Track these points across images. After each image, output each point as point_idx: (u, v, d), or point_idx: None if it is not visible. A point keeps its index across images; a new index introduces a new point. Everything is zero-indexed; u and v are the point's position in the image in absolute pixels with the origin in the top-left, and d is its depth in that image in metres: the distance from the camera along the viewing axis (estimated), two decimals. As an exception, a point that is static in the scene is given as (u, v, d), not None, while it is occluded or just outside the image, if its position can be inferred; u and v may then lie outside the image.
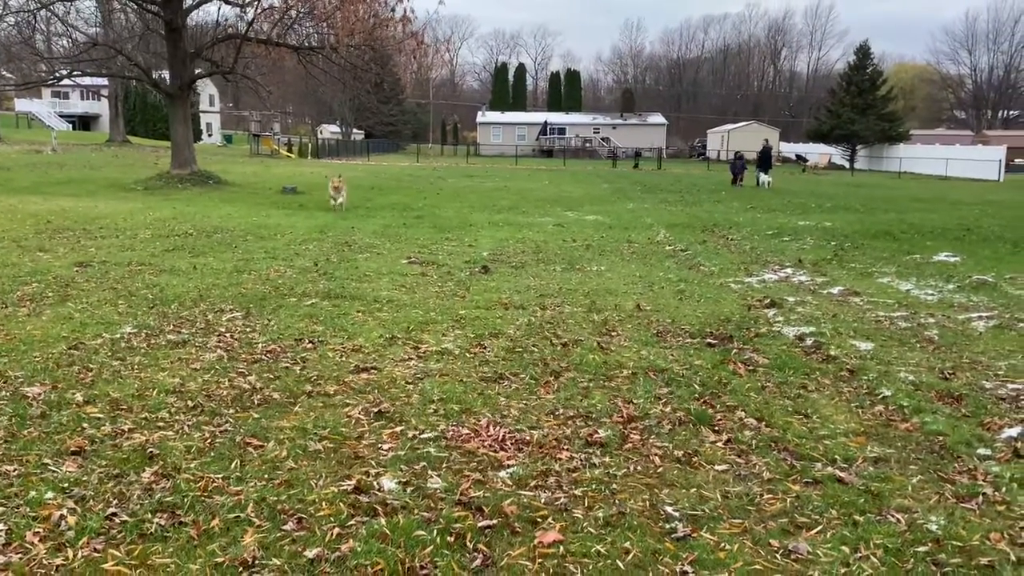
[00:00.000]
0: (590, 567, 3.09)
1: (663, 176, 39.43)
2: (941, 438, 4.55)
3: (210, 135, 71.73)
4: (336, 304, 7.57)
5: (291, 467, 3.89)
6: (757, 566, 3.14)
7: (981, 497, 3.81)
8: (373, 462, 3.99)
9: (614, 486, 3.83)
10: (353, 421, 4.55)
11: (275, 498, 3.55)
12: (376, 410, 4.72)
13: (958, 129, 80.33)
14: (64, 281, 8.24)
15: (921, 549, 3.30)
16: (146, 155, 36.70)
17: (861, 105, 56.85)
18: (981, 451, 4.39)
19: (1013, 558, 3.24)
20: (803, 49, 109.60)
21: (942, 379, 5.70)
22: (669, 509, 3.60)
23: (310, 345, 6.15)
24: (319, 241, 12.06)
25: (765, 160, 31.44)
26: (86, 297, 7.54)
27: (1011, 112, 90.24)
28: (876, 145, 57.49)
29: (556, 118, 75.33)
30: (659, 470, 4.04)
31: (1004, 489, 3.90)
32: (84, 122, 69.59)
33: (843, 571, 3.10)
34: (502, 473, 3.92)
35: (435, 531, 3.31)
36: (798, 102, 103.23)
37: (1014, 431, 4.67)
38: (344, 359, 5.81)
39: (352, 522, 3.37)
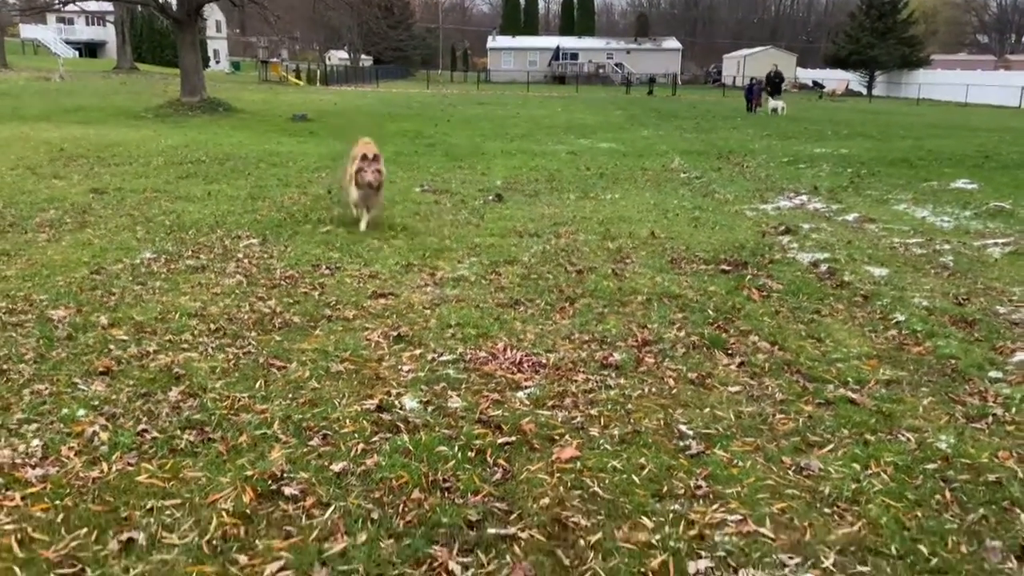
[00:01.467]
0: (607, 481, 3.19)
1: (678, 103, 38.83)
2: (953, 361, 4.60)
3: (218, 62, 70.83)
4: (351, 231, 7.61)
5: (314, 387, 3.99)
6: (769, 481, 3.23)
7: (991, 417, 3.88)
8: (394, 383, 4.08)
9: (629, 406, 3.91)
10: (373, 344, 4.63)
11: (300, 416, 3.65)
12: (395, 334, 4.80)
13: (980, 54, 78.38)
14: (81, 208, 8.29)
15: (930, 466, 3.38)
16: (155, 82, 36.34)
17: (881, 29, 55.38)
18: (993, 374, 4.44)
19: (1021, 475, 3.32)
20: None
21: (956, 304, 5.73)
22: (683, 428, 3.69)
23: (327, 271, 6.21)
24: (331, 168, 12.02)
25: (774, 86, 31.28)
26: (104, 223, 7.60)
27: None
28: (895, 71, 56.22)
29: (569, 43, 73.78)
30: (673, 391, 4.12)
31: (1014, 410, 3.96)
32: (90, 49, 68.73)
33: (854, 487, 3.19)
34: (520, 394, 4.01)
35: (456, 447, 3.41)
36: (816, 27, 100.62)
37: (1026, 355, 4.72)
38: (362, 285, 5.87)
39: (376, 438, 3.48)
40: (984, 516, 3.02)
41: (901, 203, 10.23)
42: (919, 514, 3.02)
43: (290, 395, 3.89)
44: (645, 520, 2.94)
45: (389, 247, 7.05)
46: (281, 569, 2.60)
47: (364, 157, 7.41)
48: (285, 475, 3.15)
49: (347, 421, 3.62)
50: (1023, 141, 19.53)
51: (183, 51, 23.75)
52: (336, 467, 3.21)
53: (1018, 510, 3.06)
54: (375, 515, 2.90)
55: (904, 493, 3.16)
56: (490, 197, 9.85)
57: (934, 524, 2.95)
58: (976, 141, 19.19)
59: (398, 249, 6.97)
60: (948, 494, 3.16)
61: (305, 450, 3.36)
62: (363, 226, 7.64)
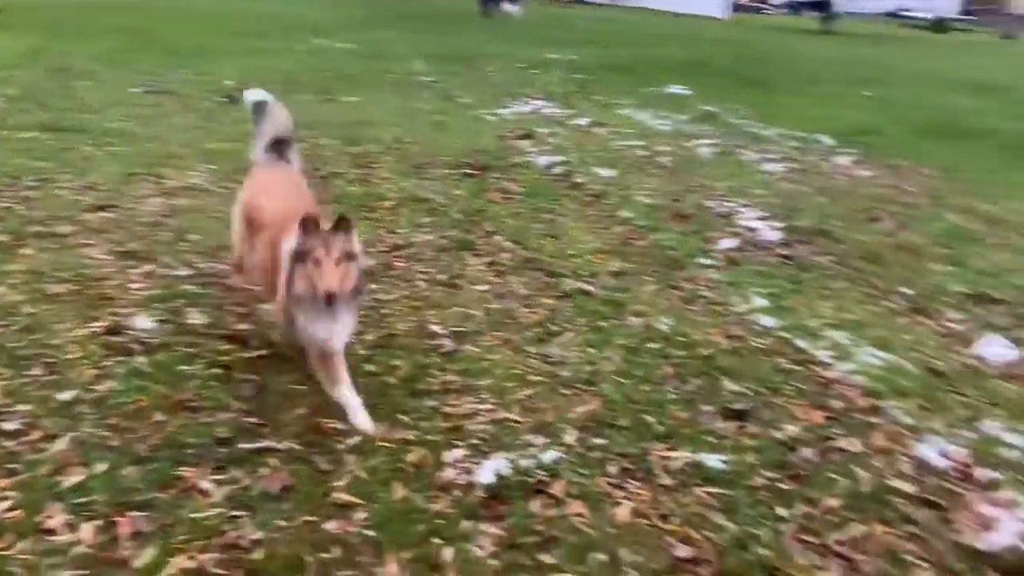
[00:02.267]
0: (366, 385, 3.21)
1: (415, 3, 38.12)
2: (672, 252, 5.10)
3: None
4: (59, 137, 6.77)
5: (30, 311, 3.59)
6: (516, 370, 3.43)
7: (703, 300, 4.38)
8: (124, 302, 3.78)
9: (383, 310, 3.94)
10: (96, 262, 4.23)
11: (15, 344, 3.29)
12: (122, 250, 4.42)
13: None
14: None
15: (654, 346, 3.77)
16: None
17: (606, -62, 57.70)
18: (703, 261, 5.00)
19: (726, 347, 3.80)
20: None
21: (674, 201, 6.31)
22: (436, 328, 3.79)
23: (34, 183, 5.51)
24: (29, 67, 10.52)
25: None
26: None
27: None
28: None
29: (298, -65, 69.33)
30: (425, 293, 4.20)
31: (721, 291, 4.50)
32: None
33: (589, 369, 3.48)
34: (267, 306, 3.87)
35: (200, 365, 3.25)
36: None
37: (729, 243, 5.34)
38: (77, 197, 5.30)
39: (108, 363, 3.22)
40: (699, 386, 3.43)
41: (625, 108, 10.91)
42: (645, 388, 3.37)
43: (1, 322, 3.47)
44: (402, 418, 3.01)
45: (105, 154, 6.38)
46: (9, 509, 2.37)
47: (308, 225, 2.90)
48: (4, 410, 2.84)
49: (72, 346, 3.31)
50: (730, 51, 21.48)
51: None
52: (64, 396, 2.95)
53: (724, 378, 3.52)
54: (113, 442, 2.71)
55: (632, 371, 3.50)
56: (222, 99, 9.18)
57: (658, 396, 3.31)
58: (689, 50, 20.82)
59: (117, 156, 6.33)
60: (669, 369, 3.55)
61: (24, 380, 3.04)
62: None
